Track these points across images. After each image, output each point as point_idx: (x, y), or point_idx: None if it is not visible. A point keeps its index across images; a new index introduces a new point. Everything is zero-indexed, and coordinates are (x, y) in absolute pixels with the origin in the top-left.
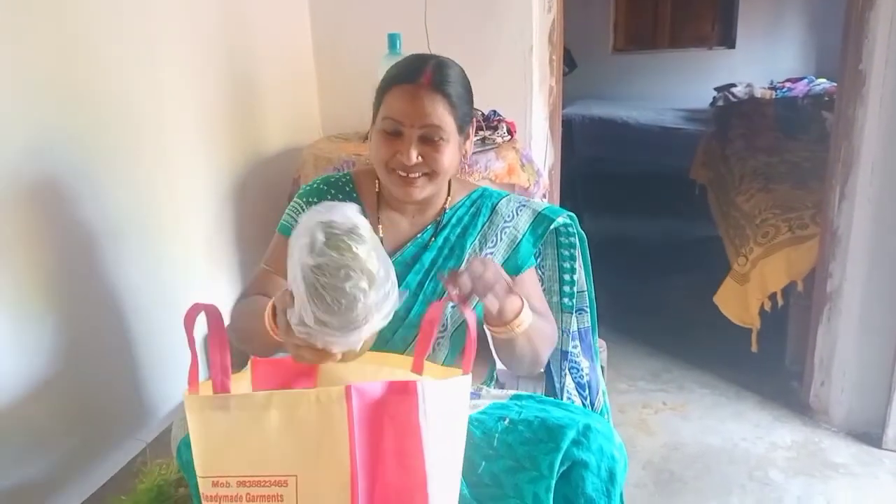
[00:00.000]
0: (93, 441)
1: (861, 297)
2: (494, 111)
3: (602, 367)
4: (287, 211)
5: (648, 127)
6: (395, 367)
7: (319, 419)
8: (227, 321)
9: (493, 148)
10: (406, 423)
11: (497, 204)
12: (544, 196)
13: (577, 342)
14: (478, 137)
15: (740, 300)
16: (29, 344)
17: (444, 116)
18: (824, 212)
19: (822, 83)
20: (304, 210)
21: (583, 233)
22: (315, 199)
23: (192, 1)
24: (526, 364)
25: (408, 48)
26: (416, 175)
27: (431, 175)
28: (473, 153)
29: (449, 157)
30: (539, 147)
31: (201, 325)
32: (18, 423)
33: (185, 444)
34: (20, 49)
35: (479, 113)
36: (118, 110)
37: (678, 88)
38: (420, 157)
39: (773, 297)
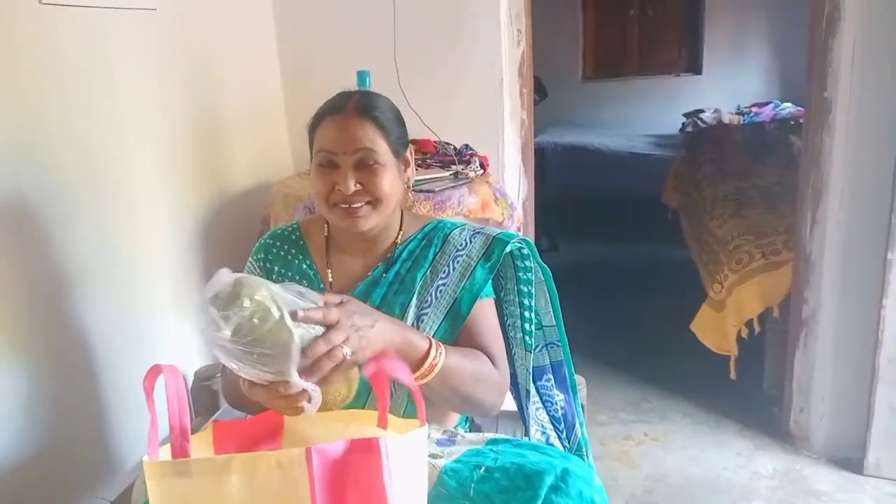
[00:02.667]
0: (51, 499)
1: (836, 322)
2: (467, 145)
3: (582, 406)
4: (245, 271)
5: (619, 153)
6: (363, 424)
7: (280, 482)
8: (190, 379)
9: (465, 182)
10: (370, 483)
11: (449, 234)
12: (519, 229)
13: (551, 375)
14: (450, 172)
15: (717, 327)
16: None
17: (375, 139)
18: (797, 238)
19: (788, 107)
20: (257, 269)
21: (545, 265)
22: (265, 256)
23: (155, 36)
24: (456, 405)
25: (377, 84)
26: (359, 204)
27: (374, 202)
28: (446, 188)
29: (389, 182)
30: (512, 179)
31: (161, 386)
32: None
33: None
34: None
35: (452, 147)
36: (78, 151)
37: (648, 114)
38: (359, 185)
39: (749, 323)
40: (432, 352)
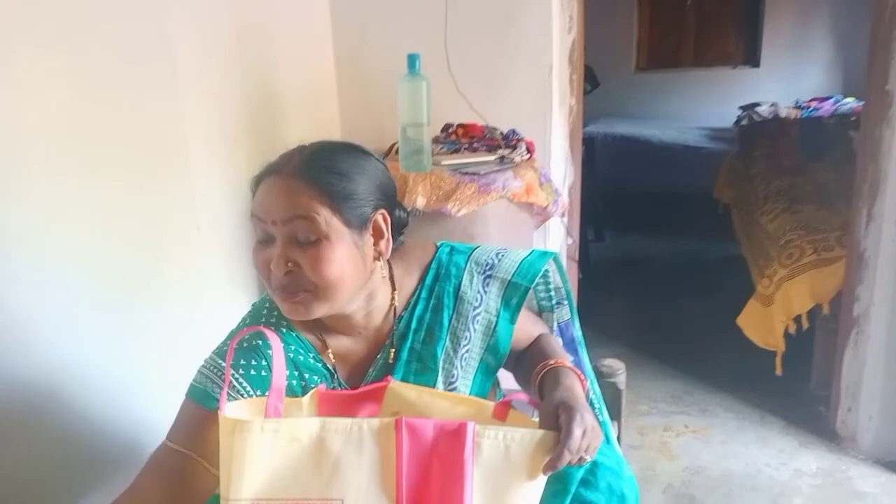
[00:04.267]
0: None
1: (889, 322)
2: (513, 130)
3: (619, 391)
4: (205, 364)
5: (671, 145)
6: (470, 408)
7: (370, 448)
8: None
9: (511, 167)
10: (452, 465)
11: (459, 287)
12: (563, 215)
13: (559, 336)
14: (496, 156)
15: (764, 322)
16: (26, 379)
17: (314, 206)
18: (851, 234)
19: (850, 102)
20: (219, 376)
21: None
22: (244, 362)
23: (213, 20)
24: None
25: (427, 68)
26: (297, 290)
27: (315, 290)
28: (491, 172)
29: (336, 263)
30: (558, 166)
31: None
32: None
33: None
34: (50, 93)
35: (498, 132)
36: (142, 131)
37: (701, 107)
38: (290, 265)
39: (797, 319)
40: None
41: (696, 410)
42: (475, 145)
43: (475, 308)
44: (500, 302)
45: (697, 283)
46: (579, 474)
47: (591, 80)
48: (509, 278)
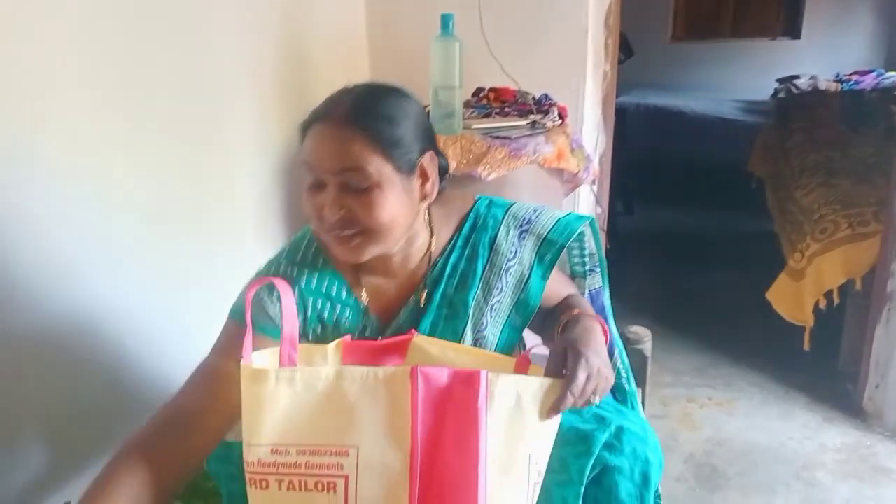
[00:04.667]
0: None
1: None
2: (546, 95)
3: (645, 357)
4: (244, 292)
5: (706, 117)
6: (493, 361)
7: (385, 396)
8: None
9: (542, 132)
10: (466, 413)
11: (495, 239)
12: (594, 182)
13: (589, 303)
14: (528, 121)
15: (794, 297)
16: (71, 321)
17: (366, 156)
18: (888, 208)
19: (892, 76)
20: (264, 298)
21: (600, 245)
22: (293, 288)
23: None
24: None
25: (461, 29)
26: (350, 233)
27: (367, 233)
28: (523, 136)
29: (388, 208)
30: (591, 133)
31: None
32: (45, 418)
33: (214, 456)
34: (95, 46)
35: (530, 96)
36: (179, 92)
37: (738, 79)
38: (344, 211)
39: (828, 294)
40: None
41: (720, 384)
42: (506, 110)
43: (509, 260)
44: (534, 257)
45: (727, 258)
46: (603, 437)
47: (625, 50)
48: (545, 234)
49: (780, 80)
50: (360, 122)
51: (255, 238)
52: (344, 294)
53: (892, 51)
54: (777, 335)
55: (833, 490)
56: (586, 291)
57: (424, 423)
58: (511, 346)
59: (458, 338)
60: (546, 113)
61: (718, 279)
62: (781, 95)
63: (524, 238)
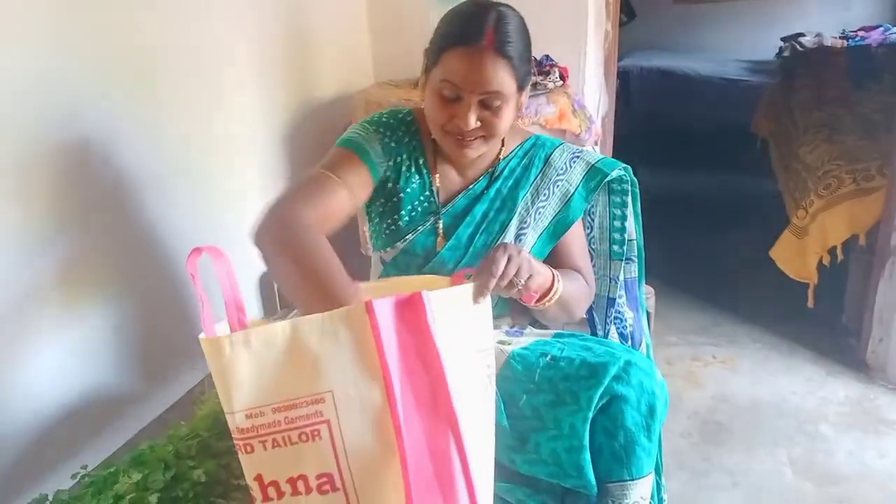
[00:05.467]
0: (155, 371)
1: None
2: (547, 56)
3: (648, 314)
4: (355, 129)
5: (710, 79)
6: (433, 283)
7: (346, 336)
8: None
9: (544, 93)
10: (420, 333)
11: (550, 155)
12: (596, 143)
13: (623, 292)
14: None
15: (798, 254)
16: (92, 279)
17: (505, 81)
18: (892, 163)
19: None
20: (377, 137)
21: (636, 179)
22: (387, 133)
23: None
24: (560, 323)
25: None
26: (473, 137)
27: (488, 137)
28: None
29: (508, 119)
30: (592, 94)
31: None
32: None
33: None
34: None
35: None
36: (177, 59)
37: (743, 39)
38: (478, 122)
39: (832, 251)
40: (555, 284)
41: (724, 341)
42: None
43: (559, 175)
44: (581, 178)
45: (731, 219)
46: (613, 370)
47: (627, 12)
48: (594, 162)
49: (784, 39)
50: (506, 53)
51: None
52: (421, 164)
53: None
54: (781, 293)
55: (836, 442)
56: (621, 276)
57: (389, 351)
58: (543, 254)
59: (503, 229)
60: (547, 74)
61: (722, 240)
62: (786, 54)
63: (575, 162)
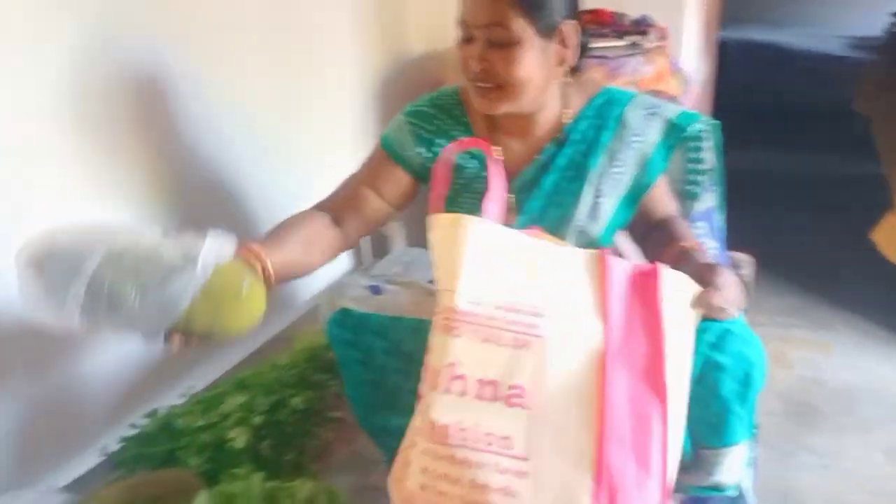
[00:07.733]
0: None
1: None
2: (644, 16)
3: (747, 283)
4: (391, 123)
5: (810, 53)
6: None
7: (579, 272)
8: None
9: (641, 52)
10: (650, 303)
11: (623, 114)
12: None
13: (704, 222)
14: (626, 42)
15: None
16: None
17: (509, 14)
18: None
19: None
20: (408, 130)
21: (720, 136)
22: (421, 123)
23: None
24: None
25: None
26: (489, 85)
27: (504, 87)
28: (621, 56)
29: (527, 66)
30: (690, 57)
31: None
32: None
33: (334, 321)
34: None
35: (628, 18)
36: (275, 12)
37: (848, 14)
38: (486, 64)
39: None
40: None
41: (816, 325)
42: (603, 31)
43: (635, 135)
44: (659, 137)
45: (828, 199)
46: (708, 338)
47: None
48: (672, 118)
49: (894, 14)
50: None
51: (353, 158)
52: (476, 151)
53: None
54: (880, 277)
55: None
56: (691, 214)
57: (615, 305)
58: (622, 223)
59: (577, 199)
60: (644, 34)
61: (817, 221)
62: (895, 30)
63: (651, 119)
